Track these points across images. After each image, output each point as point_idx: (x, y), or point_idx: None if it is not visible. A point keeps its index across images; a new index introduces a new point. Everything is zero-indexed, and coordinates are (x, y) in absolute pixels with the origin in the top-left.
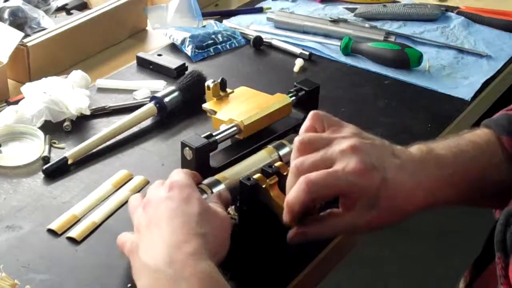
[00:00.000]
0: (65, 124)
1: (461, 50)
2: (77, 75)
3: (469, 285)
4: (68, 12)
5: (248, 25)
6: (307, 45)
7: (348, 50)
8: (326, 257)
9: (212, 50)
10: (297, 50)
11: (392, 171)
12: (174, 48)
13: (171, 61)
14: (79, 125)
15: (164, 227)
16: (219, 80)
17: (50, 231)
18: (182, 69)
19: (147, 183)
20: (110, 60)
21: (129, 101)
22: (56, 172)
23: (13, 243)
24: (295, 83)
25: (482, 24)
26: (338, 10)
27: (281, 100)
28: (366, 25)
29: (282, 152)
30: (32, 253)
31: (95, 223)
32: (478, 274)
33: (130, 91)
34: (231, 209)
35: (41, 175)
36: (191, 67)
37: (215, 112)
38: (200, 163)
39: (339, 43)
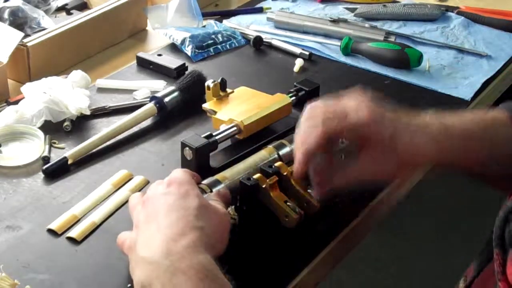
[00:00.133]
0: (65, 124)
1: (461, 50)
2: (77, 75)
3: (470, 284)
4: (68, 12)
5: (248, 25)
6: (307, 45)
7: (348, 50)
8: (326, 257)
9: (212, 50)
10: (297, 50)
11: (399, 119)
12: (174, 48)
13: (171, 61)
14: (79, 125)
15: (161, 220)
16: (219, 80)
17: (50, 231)
18: (182, 69)
19: (147, 183)
20: (110, 60)
21: (129, 101)
22: (56, 172)
23: (13, 243)
24: (295, 83)
25: (482, 24)
26: (338, 10)
27: (281, 100)
28: (366, 25)
29: (282, 152)
30: (32, 253)
31: (95, 223)
32: (478, 273)
33: (130, 91)
34: (231, 209)
35: (41, 175)
36: (191, 67)
37: (215, 112)
38: (200, 163)
39: (339, 43)
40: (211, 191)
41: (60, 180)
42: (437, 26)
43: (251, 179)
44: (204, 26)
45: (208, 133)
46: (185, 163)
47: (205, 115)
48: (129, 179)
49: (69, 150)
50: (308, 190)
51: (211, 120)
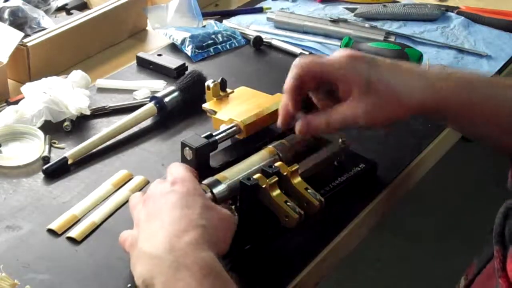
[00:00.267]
0: (65, 124)
1: (461, 50)
2: (77, 75)
3: (471, 282)
4: (68, 12)
5: (248, 25)
6: (307, 45)
7: None
8: (326, 257)
9: (212, 50)
10: (297, 50)
11: (383, 61)
12: (174, 48)
13: (171, 61)
14: (79, 125)
15: (164, 217)
16: (219, 80)
17: (50, 231)
18: (182, 69)
19: (147, 183)
20: (110, 60)
21: (129, 101)
22: (56, 172)
23: (13, 243)
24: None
25: (482, 24)
26: (338, 10)
27: (281, 100)
28: (366, 25)
29: (283, 152)
30: (32, 253)
31: (95, 223)
32: (480, 271)
33: (130, 91)
34: (231, 209)
35: (41, 175)
36: (191, 67)
37: (215, 112)
38: (200, 163)
39: (339, 43)
40: (211, 191)
41: (60, 180)
42: (437, 26)
43: (251, 179)
44: (204, 26)
45: (208, 133)
46: (185, 163)
47: (205, 115)
48: (129, 179)
49: (69, 150)
50: (308, 190)
51: (211, 120)
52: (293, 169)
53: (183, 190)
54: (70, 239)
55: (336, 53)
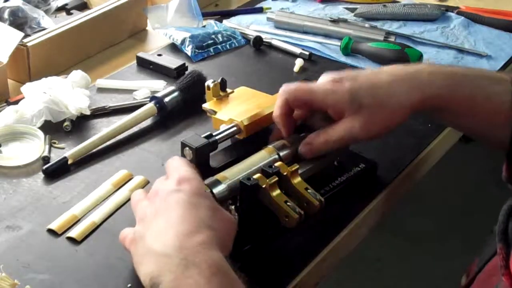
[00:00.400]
0: (65, 124)
1: (461, 50)
2: (77, 75)
3: (472, 280)
4: (68, 12)
5: (248, 25)
6: (307, 45)
7: (348, 50)
8: (326, 257)
9: (212, 50)
10: (297, 50)
11: (364, 76)
12: (174, 48)
13: (171, 61)
14: (79, 125)
15: (173, 216)
16: (219, 80)
17: (50, 231)
18: (182, 69)
19: (147, 183)
20: (110, 60)
21: (129, 101)
22: (56, 172)
23: (13, 243)
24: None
25: (482, 24)
26: (338, 10)
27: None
28: (366, 25)
29: (283, 152)
30: (32, 253)
31: (95, 223)
32: (481, 269)
33: (130, 91)
34: (231, 209)
35: (41, 175)
36: (191, 67)
37: (215, 112)
38: (200, 163)
39: (339, 43)
40: (211, 191)
41: (60, 180)
42: (437, 26)
43: (251, 179)
44: (204, 26)
45: (208, 133)
46: None
47: (205, 115)
48: (129, 179)
49: (69, 150)
50: (308, 190)
51: (211, 120)
52: (293, 169)
53: (191, 190)
54: (70, 239)
55: (320, 79)
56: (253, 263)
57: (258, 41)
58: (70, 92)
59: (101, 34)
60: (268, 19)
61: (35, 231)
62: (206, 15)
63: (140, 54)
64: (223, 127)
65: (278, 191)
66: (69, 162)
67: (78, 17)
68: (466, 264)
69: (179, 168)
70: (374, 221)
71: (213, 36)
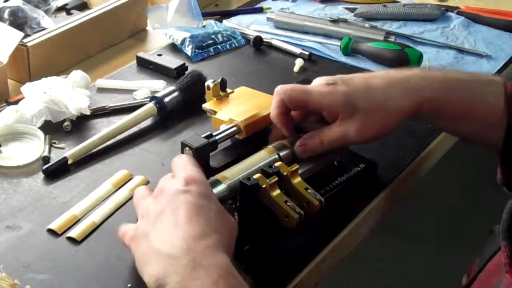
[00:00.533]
0: (65, 124)
1: (461, 50)
2: (77, 75)
3: (473, 279)
4: (68, 12)
5: (248, 25)
6: (307, 45)
7: (348, 50)
8: (326, 257)
9: (212, 50)
10: (297, 50)
11: (358, 79)
12: (174, 48)
13: (171, 61)
14: (79, 125)
15: (180, 217)
16: (219, 80)
17: (50, 231)
18: (182, 69)
19: (147, 183)
20: (110, 60)
21: (129, 101)
22: (56, 172)
23: (13, 243)
24: (295, 83)
25: (482, 24)
26: (338, 10)
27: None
28: (366, 25)
29: (283, 152)
30: (32, 253)
31: (95, 223)
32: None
33: (130, 91)
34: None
35: (41, 175)
36: (191, 67)
37: (215, 112)
38: (200, 163)
39: (339, 43)
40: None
41: (60, 180)
42: (437, 26)
43: (251, 179)
44: (204, 26)
45: (208, 133)
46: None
47: (205, 115)
48: (129, 179)
49: (69, 150)
50: (308, 190)
51: (211, 120)
52: (293, 169)
53: (198, 191)
54: (70, 239)
55: (314, 82)
56: (253, 263)
57: (258, 41)
58: (70, 92)
59: (101, 34)
60: (268, 19)
61: (35, 231)
62: (206, 15)
63: (140, 54)
64: (223, 127)
65: (278, 191)
66: (69, 162)
67: (78, 17)
68: (466, 264)
69: (186, 167)
70: (374, 221)
71: (213, 36)
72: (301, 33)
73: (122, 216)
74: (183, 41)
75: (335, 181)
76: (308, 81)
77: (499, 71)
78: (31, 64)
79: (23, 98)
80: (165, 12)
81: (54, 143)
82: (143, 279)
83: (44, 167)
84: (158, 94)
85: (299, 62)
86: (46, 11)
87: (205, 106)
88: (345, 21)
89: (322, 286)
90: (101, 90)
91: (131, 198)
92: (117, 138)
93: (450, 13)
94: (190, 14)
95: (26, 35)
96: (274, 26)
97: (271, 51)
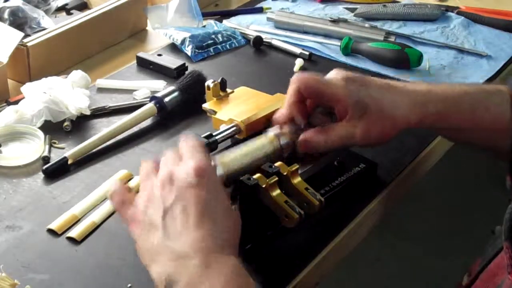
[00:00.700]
0: (65, 124)
1: (461, 50)
2: (77, 75)
3: (474, 279)
4: (68, 12)
5: (248, 25)
6: (307, 45)
7: (348, 50)
8: (326, 257)
9: (212, 50)
10: (297, 50)
11: (374, 82)
12: (174, 48)
13: (171, 61)
14: (79, 125)
15: (191, 215)
16: (219, 80)
17: (50, 231)
18: (182, 69)
19: None
20: (110, 60)
21: (129, 101)
22: (56, 172)
23: (13, 243)
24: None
25: (482, 24)
26: (338, 10)
27: (281, 100)
28: (366, 25)
29: (284, 141)
30: (32, 253)
31: (95, 223)
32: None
33: (130, 91)
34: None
35: (41, 175)
36: (191, 67)
37: (215, 112)
38: None
39: (339, 43)
40: None
41: (60, 180)
42: (437, 26)
43: (251, 179)
44: (204, 26)
45: (208, 133)
46: None
47: (205, 115)
48: (129, 179)
49: (69, 150)
50: (308, 190)
51: (211, 120)
52: (293, 169)
53: (210, 186)
54: (70, 239)
55: (332, 73)
56: (253, 263)
57: (258, 41)
58: (70, 92)
59: (101, 34)
60: (268, 19)
61: (35, 231)
62: (206, 15)
63: (140, 54)
64: (223, 127)
65: (278, 191)
66: (69, 162)
67: (78, 17)
68: (466, 264)
69: (196, 154)
70: (374, 221)
71: (213, 36)
72: (301, 33)
73: None
74: (183, 41)
75: (335, 181)
76: None
77: (499, 71)
78: (31, 64)
79: (23, 98)
80: (165, 12)
81: (54, 143)
82: (145, 278)
83: (44, 167)
84: (158, 94)
85: (299, 62)
86: (46, 11)
87: (205, 106)
88: (345, 21)
89: (322, 286)
90: (101, 90)
91: None
92: (117, 138)
93: (450, 13)
94: (190, 14)
95: (26, 35)
96: (274, 26)
97: (271, 51)
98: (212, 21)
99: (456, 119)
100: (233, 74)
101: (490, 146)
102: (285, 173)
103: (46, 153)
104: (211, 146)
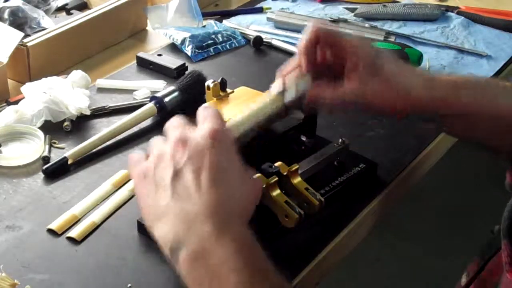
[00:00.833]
0: (65, 124)
1: (461, 50)
2: (77, 75)
3: (473, 279)
4: (68, 12)
5: (248, 25)
6: None
7: None
8: (326, 257)
9: (212, 50)
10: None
11: (387, 54)
12: (174, 48)
13: (171, 61)
14: (79, 125)
15: (204, 180)
16: (219, 80)
17: (50, 231)
18: (182, 69)
19: None
20: (110, 60)
21: (129, 101)
22: (56, 172)
23: (13, 243)
24: None
25: (482, 24)
26: (338, 10)
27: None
28: (366, 25)
29: (288, 99)
30: (32, 253)
31: (95, 223)
32: (482, 268)
33: (130, 91)
34: None
35: (41, 175)
36: (191, 67)
37: None
38: None
39: None
40: None
41: (60, 180)
42: (437, 26)
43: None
44: (204, 26)
45: None
46: None
47: None
48: (129, 179)
49: (69, 150)
50: (308, 190)
51: None
52: (293, 169)
53: (223, 150)
54: (70, 239)
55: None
56: None
57: (258, 41)
58: (70, 92)
59: (101, 34)
60: (268, 19)
61: (35, 231)
62: (206, 15)
63: (140, 54)
64: None
65: (278, 191)
66: (69, 162)
67: (78, 17)
68: (466, 264)
69: (213, 119)
70: (374, 221)
71: (213, 36)
72: (301, 33)
73: (122, 216)
74: (183, 41)
75: (335, 181)
76: None
77: (499, 71)
78: (31, 64)
79: (23, 98)
80: (165, 12)
81: (54, 143)
82: (145, 278)
83: (44, 167)
84: (158, 94)
85: None
86: (46, 11)
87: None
88: (345, 21)
89: (322, 286)
90: (101, 90)
91: (131, 198)
92: (117, 138)
93: (450, 13)
94: (190, 14)
95: (26, 35)
96: (274, 26)
97: (271, 51)
98: (212, 21)
99: (461, 104)
100: (233, 74)
101: (493, 142)
102: (285, 173)
103: (46, 153)
104: None
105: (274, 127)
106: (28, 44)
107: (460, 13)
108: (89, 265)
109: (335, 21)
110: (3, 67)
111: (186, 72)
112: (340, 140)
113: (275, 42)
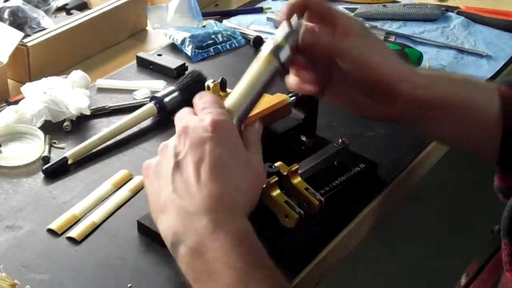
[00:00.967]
0: (65, 124)
1: (461, 50)
2: (77, 75)
3: (473, 279)
4: (68, 12)
5: (248, 25)
6: None
7: None
8: (326, 257)
9: (212, 50)
10: None
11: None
12: (174, 48)
13: (171, 61)
14: (79, 125)
15: (204, 172)
16: (219, 80)
17: (50, 231)
18: (182, 69)
19: None
20: (110, 60)
21: (129, 101)
22: (56, 172)
23: (13, 243)
24: None
25: (482, 24)
26: None
27: (281, 100)
28: (366, 25)
29: (284, 56)
30: (32, 253)
31: (95, 223)
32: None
33: (130, 91)
34: None
35: (41, 175)
36: (191, 67)
37: None
38: None
39: None
40: None
41: (60, 180)
42: (437, 26)
43: None
44: (204, 26)
45: None
46: None
47: None
48: (129, 179)
49: (69, 150)
50: (308, 190)
51: None
52: (293, 169)
53: (225, 141)
54: (70, 239)
55: None
56: None
57: (258, 41)
58: (70, 92)
59: (101, 34)
60: (268, 19)
61: (35, 231)
62: (206, 15)
63: (140, 54)
64: None
65: (278, 191)
66: (69, 162)
67: (78, 17)
68: (465, 264)
69: (213, 107)
70: (374, 221)
71: (213, 36)
72: None
73: (122, 216)
74: (183, 41)
75: (335, 181)
76: None
77: (499, 71)
78: (31, 64)
79: (23, 98)
80: (165, 12)
81: (54, 143)
82: (145, 278)
83: (44, 167)
84: (158, 94)
85: None
86: (46, 11)
87: None
88: None
89: (322, 286)
90: (101, 90)
91: (131, 198)
92: (117, 138)
93: (450, 13)
94: (190, 14)
95: (26, 35)
96: (274, 26)
97: None
98: (212, 21)
99: (441, 92)
100: (233, 74)
101: (475, 145)
102: (285, 173)
103: (46, 153)
104: None
105: (274, 127)
106: (28, 44)
107: (460, 13)
108: (89, 265)
109: None
110: (3, 67)
111: (186, 72)
112: (340, 140)
113: None
